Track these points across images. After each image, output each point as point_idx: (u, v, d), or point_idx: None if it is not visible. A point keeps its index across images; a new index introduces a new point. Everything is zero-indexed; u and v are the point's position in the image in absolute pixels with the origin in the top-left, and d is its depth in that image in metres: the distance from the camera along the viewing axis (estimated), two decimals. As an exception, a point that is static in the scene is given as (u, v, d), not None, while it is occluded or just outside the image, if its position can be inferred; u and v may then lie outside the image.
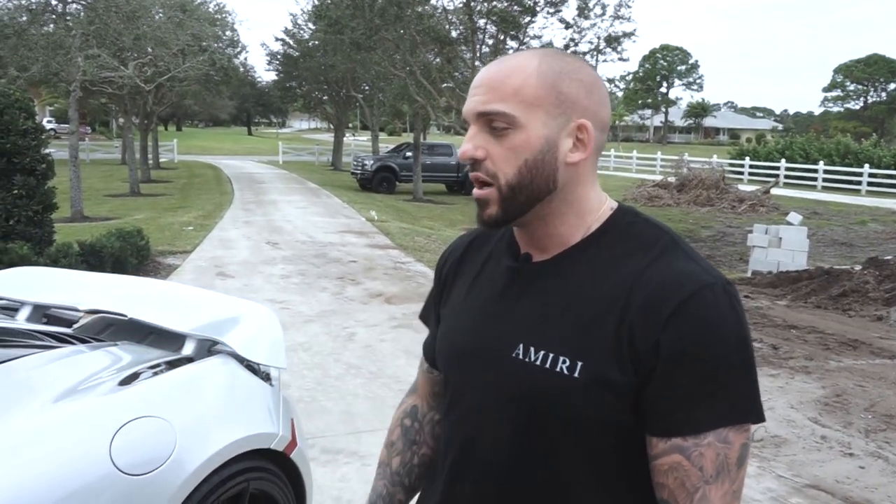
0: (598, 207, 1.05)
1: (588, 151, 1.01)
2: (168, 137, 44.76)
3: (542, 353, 0.98)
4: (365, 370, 5.36)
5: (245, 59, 42.41)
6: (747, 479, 3.81)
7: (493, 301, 1.07)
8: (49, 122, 48.14)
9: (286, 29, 33.74)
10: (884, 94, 79.41)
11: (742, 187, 24.38)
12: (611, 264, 0.99)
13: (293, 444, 2.24)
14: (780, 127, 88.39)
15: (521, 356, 1.00)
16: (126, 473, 1.66)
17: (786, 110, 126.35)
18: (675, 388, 0.92)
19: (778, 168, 31.09)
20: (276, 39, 34.65)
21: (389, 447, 1.29)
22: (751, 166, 32.65)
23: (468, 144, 1.00)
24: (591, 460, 0.98)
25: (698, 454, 0.91)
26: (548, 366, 0.97)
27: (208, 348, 2.44)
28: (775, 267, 10.59)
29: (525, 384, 0.99)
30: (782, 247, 10.74)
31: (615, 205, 1.07)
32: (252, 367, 2.41)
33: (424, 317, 1.29)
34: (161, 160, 31.78)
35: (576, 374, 0.95)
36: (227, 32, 28.81)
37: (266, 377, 2.44)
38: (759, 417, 0.93)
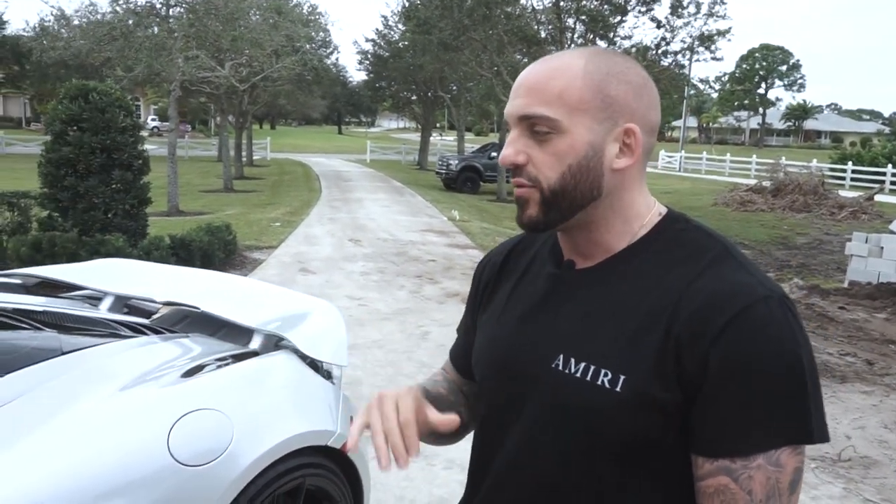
0: (645, 213, 1.00)
1: (636, 157, 0.96)
2: (262, 135, 46.22)
3: (582, 364, 0.94)
4: (436, 369, 5.36)
5: (336, 59, 43.40)
6: (832, 501, 3.61)
7: (534, 309, 1.04)
8: (153, 119, 50.59)
9: (377, 30, 34.33)
10: None
11: (843, 193, 23.17)
12: (658, 273, 0.94)
13: (351, 442, 2.25)
14: (888, 130, 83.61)
15: (560, 367, 0.96)
16: (182, 464, 1.70)
17: (895, 113, 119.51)
18: (724, 407, 0.87)
19: (884, 174, 29.41)
20: (367, 40, 35.25)
21: (434, 381, 1.24)
22: (853, 171, 31.02)
23: (509, 149, 0.97)
24: (633, 478, 0.93)
25: (747, 477, 0.86)
26: (588, 378, 0.93)
27: (275, 343, 2.49)
28: (875, 278, 10.01)
29: (565, 397, 0.95)
30: (884, 257, 10.15)
31: (664, 210, 1.02)
32: (314, 365, 2.44)
33: (460, 325, 1.27)
34: (255, 157, 32.86)
35: (618, 389, 0.90)
36: (320, 34, 29.52)
37: (327, 375, 2.47)
38: (811, 438, 0.87)
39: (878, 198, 22.31)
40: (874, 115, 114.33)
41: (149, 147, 8.76)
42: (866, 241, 10.42)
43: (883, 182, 27.93)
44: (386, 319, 6.75)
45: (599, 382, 0.91)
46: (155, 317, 2.95)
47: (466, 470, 1.22)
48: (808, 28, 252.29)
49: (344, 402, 2.37)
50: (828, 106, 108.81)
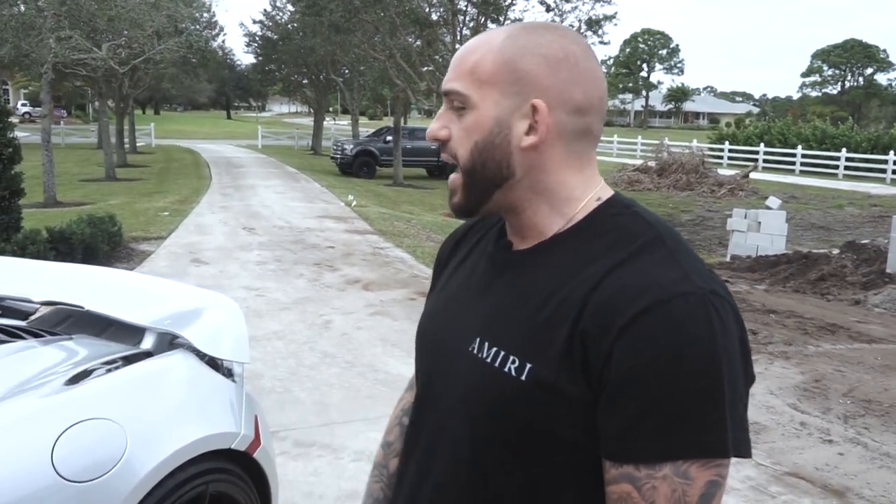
0: (580, 197, 0.93)
1: (541, 136, 0.90)
2: (145, 121, 44.04)
3: (494, 349, 0.90)
4: (340, 359, 5.26)
5: (223, 41, 41.83)
6: (726, 468, 3.77)
7: (464, 289, 1.01)
8: (24, 105, 47.32)
9: (265, 11, 33.33)
10: (860, 79, 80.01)
11: (721, 171, 24.46)
12: (583, 260, 0.88)
13: (256, 442, 2.14)
14: (758, 111, 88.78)
15: (475, 351, 0.92)
16: (69, 480, 1.55)
17: (765, 95, 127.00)
18: (628, 410, 0.80)
19: (757, 152, 31.22)
20: (255, 22, 34.15)
21: (386, 447, 1.20)
22: (730, 150, 32.79)
23: (435, 123, 0.94)
24: (540, 479, 0.88)
25: (650, 487, 0.79)
26: (497, 364, 0.88)
27: (169, 342, 2.33)
28: (754, 251, 10.60)
29: (475, 382, 0.91)
30: (761, 231, 10.76)
31: (607, 195, 0.94)
32: (214, 363, 2.30)
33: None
34: (138, 144, 31.30)
35: (523, 377, 0.85)
36: (205, 14, 28.37)
37: (228, 373, 2.34)
38: (725, 451, 0.79)
39: (753, 175, 23.67)
40: (746, 97, 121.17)
41: (20, 134, 8.14)
42: (745, 217, 11.02)
43: (756, 160, 29.64)
44: (285, 309, 6.57)
45: (506, 369, 0.87)
46: (32, 318, 2.72)
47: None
48: (684, 13, 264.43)
49: (247, 401, 2.25)
50: (704, 88, 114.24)
